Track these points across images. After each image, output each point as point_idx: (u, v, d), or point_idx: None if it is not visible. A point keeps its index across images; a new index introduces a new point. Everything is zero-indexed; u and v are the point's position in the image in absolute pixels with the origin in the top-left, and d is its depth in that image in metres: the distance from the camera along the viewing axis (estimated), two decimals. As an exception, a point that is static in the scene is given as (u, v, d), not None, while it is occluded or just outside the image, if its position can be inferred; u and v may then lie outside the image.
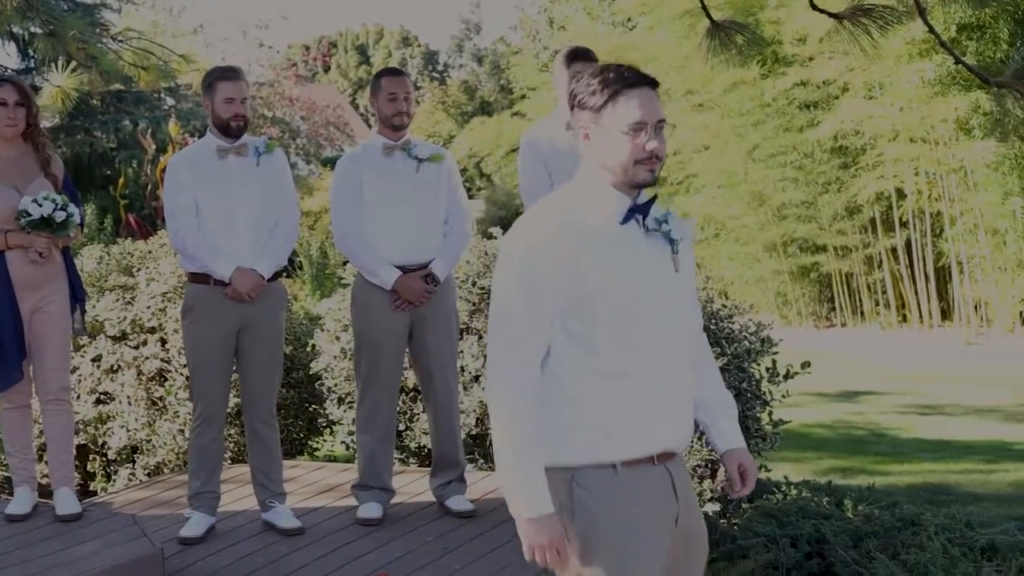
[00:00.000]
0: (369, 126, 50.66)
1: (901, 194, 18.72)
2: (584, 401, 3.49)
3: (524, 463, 3.46)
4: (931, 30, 6.25)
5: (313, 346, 8.84)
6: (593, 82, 3.54)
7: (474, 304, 8.21)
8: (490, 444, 8.33)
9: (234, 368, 6.82)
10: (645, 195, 3.62)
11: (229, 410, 7.36)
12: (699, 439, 7.04)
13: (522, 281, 3.48)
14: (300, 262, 20.42)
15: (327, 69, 67.65)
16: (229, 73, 6.71)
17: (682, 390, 3.61)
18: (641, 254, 3.56)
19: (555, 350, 3.51)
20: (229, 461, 8.46)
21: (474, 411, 8.15)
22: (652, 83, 3.55)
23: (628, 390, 3.49)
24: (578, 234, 3.48)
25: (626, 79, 3.51)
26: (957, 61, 6.61)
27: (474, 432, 8.25)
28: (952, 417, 12.68)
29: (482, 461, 8.36)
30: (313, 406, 9.03)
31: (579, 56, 7.05)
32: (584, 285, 3.45)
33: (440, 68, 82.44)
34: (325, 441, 9.45)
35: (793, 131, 19.40)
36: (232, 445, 8.61)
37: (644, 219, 3.57)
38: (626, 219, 3.54)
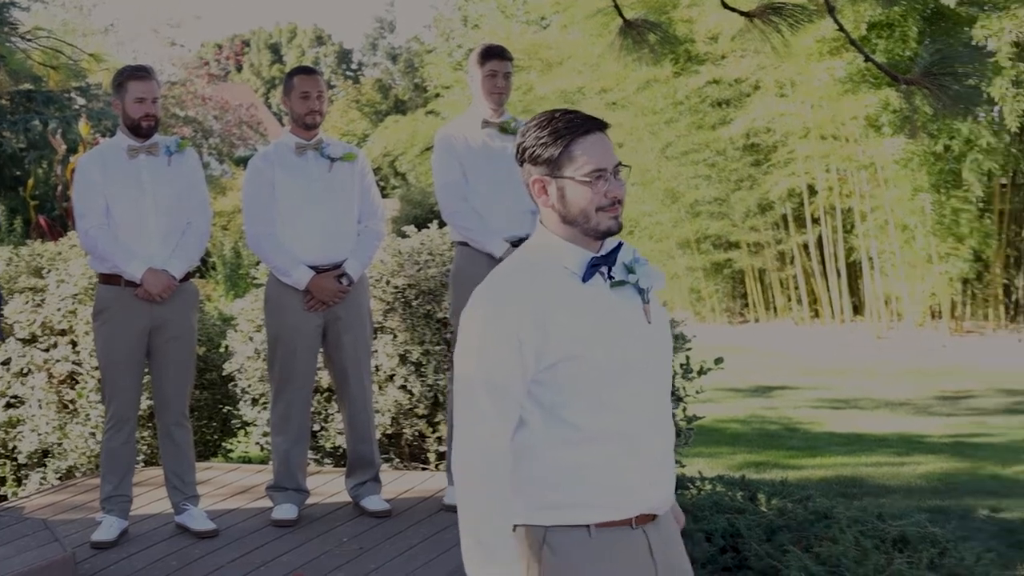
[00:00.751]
0: (282, 125, 50.36)
1: (812, 191, 18.89)
2: (556, 472, 3.31)
3: (494, 534, 3.26)
4: (841, 28, 6.30)
5: (226, 347, 8.78)
6: (543, 134, 3.37)
7: (388, 303, 8.19)
8: (405, 442, 8.32)
9: (146, 370, 6.76)
10: (608, 245, 3.42)
11: (141, 412, 7.30)
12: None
13: (482, 362, 3.27)
14: (213, 262, 20.28)
15: (240, 68, 67.22)
16: (140, 72, 6.64)
17: (661, 449, 3.42)
18: (609, 311, 3.37)
19: (526, 419, 3.32)
20: (142, 464, 8.38)
21: (389, 411, 8.13)
22: (603, 126, 3.41)
23: (604, 457, 3.30)
24: (537, 301, 3.29)
25: (578, 126, 3.36)
26: (867, 59, 6.67)
27: (389, 432, 8.24)
28: (864, 411, 12.82)
29: (397, 460, 8.35)
30: (227, 407, 8.97)
31: (493, 54, 7.06)
32: (550, 354, 3.27)
33: (354, 67, 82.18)
34: (239, 443, 9.39)
35: (706, 129, 19.52)
36: (145, 448, 8.53)
37: (609, 271, 3.39)
38: (588, 275, 3.35)
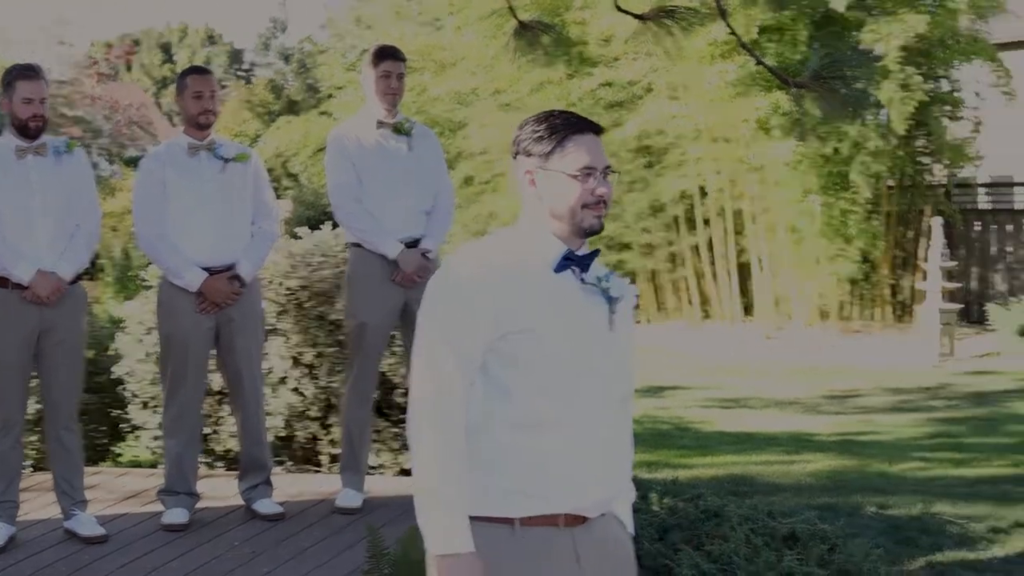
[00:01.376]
0: (173, 125, 49.82)
1: (704, 193, 19.06)
2: (492, 451, 3.30)
3: (448, 498, 3.22)
4: (732, 32, 6.37)
5: (116, 350, 8.67)
6: (540, 128, 3.45)
7: (281, 305, 8.13)
8: (297, 444, 8.28)
9: (33, 373, 6.66)
10: (586, 248, 3.47)
11: (29, 416, 7.18)
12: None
13: (448, 327, 3.30)
14: (102, 264, 20.02)
15: (130, 67, 66.41)
16: (28, 72, 6.54)
17: (605, 452, 3.39)
18: (573, 303, 3.40)
19: (473, 394, 3.32)
20: (30, 469, 8.24)
21: (281, 413, 8.08)
22: (598, 129, 3.50)
23: (538, 444, 3.29)
24: (509, 275, 3.34)
25: (574, 125, 3.45)
26: (758, 62, 6.75)
27: (282, 434, 8.18)
28: (754, 410, 12.96)
29: (290, 463, 8.30)
30: (116, 411, 8.86)
31: (386, 55, 7.06)
32: (509, 325, 3.28)
33: (246, 67, 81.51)
34: (129, 447, 9.27)
35: (598, 130, 19.60)
36: (32, 452, 8.40)
37: (582, 272, 3.43)
38: (560, 267, 3.40)
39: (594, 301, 3.43)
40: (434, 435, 3.24)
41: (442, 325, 3.31)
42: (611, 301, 3.46)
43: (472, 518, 3.26)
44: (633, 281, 20.39)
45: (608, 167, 3.46)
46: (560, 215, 3.42)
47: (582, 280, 3.43)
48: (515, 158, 3.53)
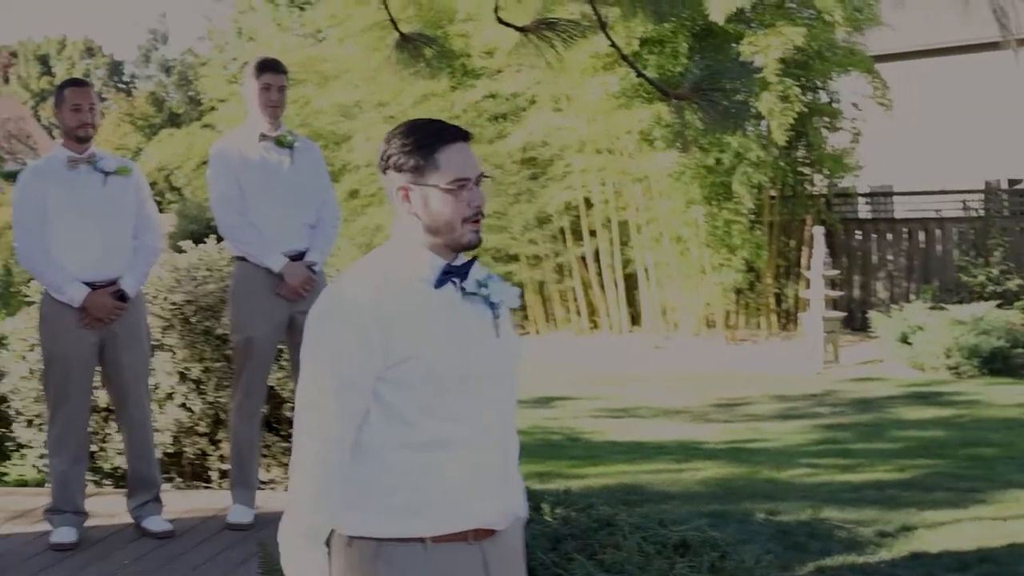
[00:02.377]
0: (52, 138, 49.14)
1: (589, 204, 19.16)
2: (393, 474, 3.26)
3: (309, 551, 3.23)
4: (613, 44, 6.42)
5: (-2, 367, 8.54)
6: (408, 141, 3.35)
7: (166, 320, 8.06)
8: (186, 461, 8.20)
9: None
10: (463, 257, 3.40)
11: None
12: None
13: (329, 357, 3.25)
14: (-19, 281, 19.69)
15: (7, 80, 65.44)
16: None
17: (501, 462, 3.38)
18: (458, 319, 3.34)
19: (369, 418, 3.27)
20: (-90, 490, 8.09)
21: (169, 429, 8.01)
22: (467, 136, 3.41)
23: (441, 463, 3.27)
24: (388, 299, 3.26)
25: (444, 135, 3.36)
26: (639, 74, 6.80)
27: (170, 450, 8.11)
28: (644, 419, 13.05)
29: (179, 480, 8.22)
30: (1, 429, 8.72)
31: (267, 67, 7.04)
32: (394, 351, 3.23)
33: (126, 79, 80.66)
34: (15, 465, 9.13)
35: (483, 143, 19.64)
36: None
37: (462, 282, 3.37)
38: (440, 282, 3.34)
39: (477, 310, 3.39)
40: (315, 480, 3.22)
41: (330, 359, 3.25)
42: (493, 307, 3.42)
43: (382, 540, 3.26)
44: (521, 293, 20.43)
45: (481, 174, 3.39)
46: (437, 230, 3.34)
47: (463, 290, 3.37)
48: (385, 173, 3.43)
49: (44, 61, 77.89)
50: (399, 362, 3.23)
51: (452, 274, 3.35)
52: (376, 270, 3.35)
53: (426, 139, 3.35)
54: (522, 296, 20.19)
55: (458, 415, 3.29)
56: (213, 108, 27.42)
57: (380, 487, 3.26)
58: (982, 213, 19.11)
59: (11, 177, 32.88)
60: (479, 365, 3.34)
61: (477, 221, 3.37)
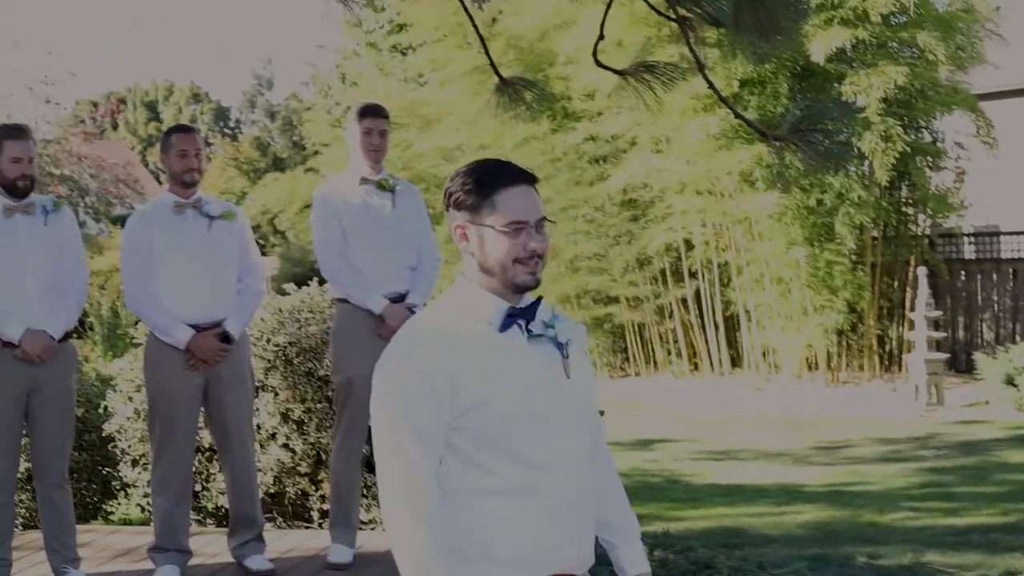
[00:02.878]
0: (160, 183, 49.82)
1: (690, 245, 19.13)
2: (471, 521, 3.22)
3: (435, 565, 3.16)
4: (711, 86, 6.42)
5: (106, 407, 8.69)
6: (468, 180, 3.34)
7: (269, 361, 8.16)
8: (287, 500, 8.28)
9: (24, 432, 6.67)
10: (528, 298, 3.37)
11: (20, 474, 7.18)
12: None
13: (401, 409, 3.21)
14: (90, 322, 20.01)
15: (116, 126, 66.60)
16: (15, 132, 6.59)
17: (578, 507, 3.33)
18: (524, 362, 3.30)
19: (445, 467, 3.24)
20: (20, 527, 8.25)
21: (271, 469, 8.09)
22: (531, 179, 3.37)
23: (517, 510, 3.22)
24: (454, 347, 3.23)
25: (504, 176, 3.33)
26: (736, 116, 6.81)
27: (272, 490, 8.19)
28: (744, 461, 12.97)
29: (280, 519, 8.30)
30: (107, 469, 8.87)
31: (369, 112, 7.13)
32: (464, 400, 3.19)
33: (232, 124, 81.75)
34: (120, 504, 9.27)
35: (584, 185, 19.71)
36: (23, 511, 8.40)
37: (527, 324, 3.34)
38: (505, 326, 3.31)
39: (545, 351, 3.36)
40: (414, 533, 3.16)
41: (402, 408, 3.22)
42: (561, 347, 3.39)
43: None
44: (621, 334, 20.47)
45: (542, 219, 3.34)
46: (491, 270, 3.32)
47: (529, 332, 3.34)
48: (448, 210, 3.42)
49: (152, 107, 79.15)
50: (468, 409, 3.20)
51: (516, 317, 3.33)
52: (442, 315, 3.34)
53: (486, 179, 3.34)
54: (623, 337, 20.20)
55: (528, 458, 3.25)
56: (317, 152, 27.75)
57: (459, 536, 3.22)
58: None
59: (119, 221, 33.39)
60: (548, 407, 3.30)
61: (533, 263, 3.32)
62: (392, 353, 3.29)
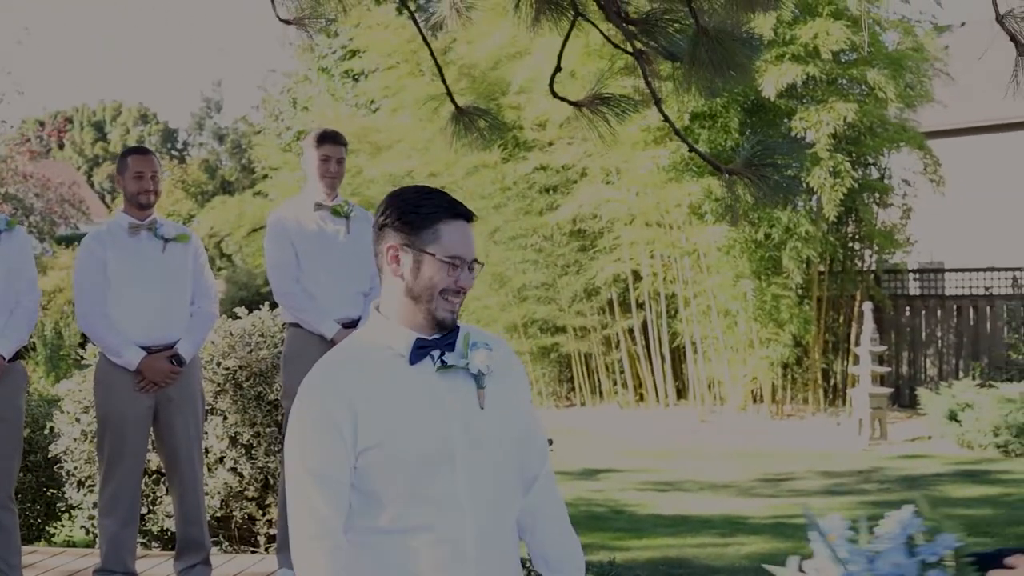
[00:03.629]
0: (106, 204, 49.64)
1: (637, 276, 19.20)
2: (372, 560, 3.17)
3: None
4: (666, 119, 6.47)
5: (51, 428, 8.64)
6: (414, 205, 3.29)
7: (219, 385, 8.15)
8: (235, 524, 8.25)
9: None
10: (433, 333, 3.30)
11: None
12: None
13: (306, 453, 3.18)
14: (33, 343, 19.86)
15: (62, 145, 66.21)
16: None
17: (484, 547, 3.23)
18: (429, 396, 3.24)
19: (352, 507, 3.20)
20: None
21: (219, 493, 8.07)
22: (471, 217, 3.34)
23: (421, 553, 3.16)
24: (356, 387, 3.20)
25: (451, 208, 3.29)
26: (691, 149, 6.85)
27: (219, 514, 8.17)
28: (689, 492, 13.02)
29: (226, 544, 8.28)
30: (51, 490, 8.81)
31: (328, 139, 7.16)
32: (362, 441, 3.15)
33: (179, 146, 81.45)
34: (63, 526, 9.21)
35: (533, 214, 19.75)
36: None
37: (441, 355, 3.27)
38: (416, 357, 3.25)
39: (457, 383, 3.28)
40: (315, 572, 3.12)
41: (305, 450, 3.19)
42: (477, 379, 3.29)
43: None
44: (567, 364, 20.52)
45: (475, 260, 3.33)
46: (417, 297, 3.27)
47: (443, 363, 3.27)
48: (380, 230, 3.34)
49: (99, 127, 78.76)
50: (365, 450, 3.16)
51: (428, 348, 3.28)
52: (355, 348, 3.32)
53: (433, 208, 3.29)
54: (569, 367, 20.24)
55: (432, 499, 3.18)
56: (266, 176, 27.68)
57: (357, 572, 3.17)
58: (1032, 291, 19.06)
59: (64, 241, 33.22)
60: (456, 442, 3.23)
61: (456, 299, 3.29)
62: (305, 386, 3.26)
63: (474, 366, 3.28)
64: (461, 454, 3.22)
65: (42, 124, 45.74)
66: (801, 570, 2.10)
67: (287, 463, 3.24)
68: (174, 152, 78.78)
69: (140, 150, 7.04)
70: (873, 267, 19.69)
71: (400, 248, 3.28)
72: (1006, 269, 19.93)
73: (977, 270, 20.41)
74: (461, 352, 3.29)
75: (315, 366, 3.31)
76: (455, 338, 3.31)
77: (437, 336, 3.29)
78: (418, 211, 3.28)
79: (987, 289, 19.66)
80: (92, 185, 61.89)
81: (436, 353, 3.27)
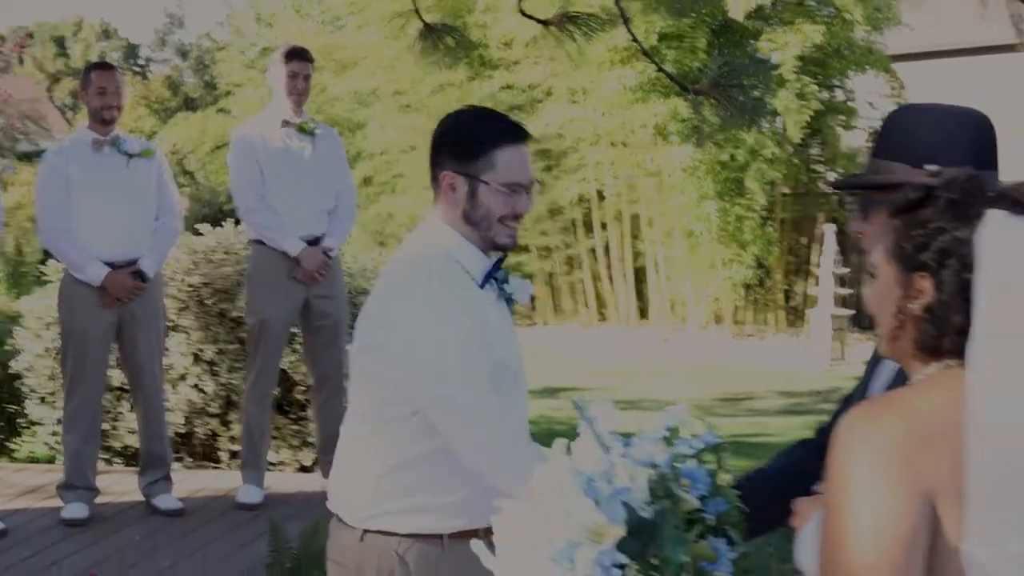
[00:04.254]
0: (67, 120, 49.19)
1: (602, 196, 19.19)
2: (424, 477, 3.21)
3: None
4: (634, 39, 6.46)
5: (13, 344, 8.61)
6: (470, 130, 3.26)
7: (182, 302, 8.13)
8: (197, 441, 8.27)
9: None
10: (493, 256, 3.33)
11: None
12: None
13: (457, 351, 3.13)
14: (-6, 258, 19.78)
15: (22, 61, 65.45)
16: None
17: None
18: (503, 319, 3.33)
19: (403, 431, 3.21)
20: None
21: (181, 409, 8.08)
22: (528, 138, 3.30)
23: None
24: (469, 305, 3.20)
25: (507, 133, 3.24)
26: (659, 69, 6.86)
27: (181, 431, 8.18)
28: (649, 411, 13.05)
29: (189, 459, 8.30)
30: (13, 406, 8.80)
31: (296, 55, 7.14)
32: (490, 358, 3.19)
33: (142, 62, 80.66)
34: (26, 442, 9.21)
35: (499, 133, 19.66)
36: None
37: (500, 283, 3.32)
38: (485, 282, 3.26)
39: (501, 306, 3.35)
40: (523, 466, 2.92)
41: (459, 361, 3.13)
42: (510, 303, 3.37)
43: (405, 535, 3.23)
44: (530, 283, 20.46)
45: (533, 182, 3.31)
46: (476, 224, 3.24)
47: (501, 291, 3.33)
48: (435, 156, 3.30)
49: (60, 43, 77.85)
50: (493, 367, 3.19)
51: (492, 274, 3.30)
52: (443, 267, 3.24)
53: (489, 133, 3.25)
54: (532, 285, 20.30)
55: (511, 410, 3.26)
56: (229, 93, 27.43)
57: (411, 488, 3.22)
58: (995, 214, 19.15)
59: (25, 158, 32.94)
60: (518, 362, 3.34)
61: (516, 223, 3.29)
62: (429, 313, 3.16)
63: (517, 295, 3.37)
64: (518, 368, 3.35)
65: (2, 39, 45.27)
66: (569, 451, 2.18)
67: (448, 381, 3.14)
68: (136, 68, 78.01)
69: (103, 65, 6.99)
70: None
71: (455, 176, 3.24)
72: (968, 193, 19.99)
73: (940, 193, 20.46)
74: (497, 278, 3.33)
75: (416, 283, 3.20)
76: (500, 265, 3.34)
77: (495, 261, 3.32)
78: (472, 137, 3.24)
79: (950, 212, 19.73)
80: (53, 101, 61.26)
81: (495, 281, 3.32)
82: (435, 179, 3.29)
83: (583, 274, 19.89)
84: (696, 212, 17.97)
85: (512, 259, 19.81)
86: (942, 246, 2.09)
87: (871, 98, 19.25)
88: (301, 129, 7.14)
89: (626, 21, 6.13)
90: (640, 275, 19.56)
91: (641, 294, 19.64)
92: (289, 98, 7.11)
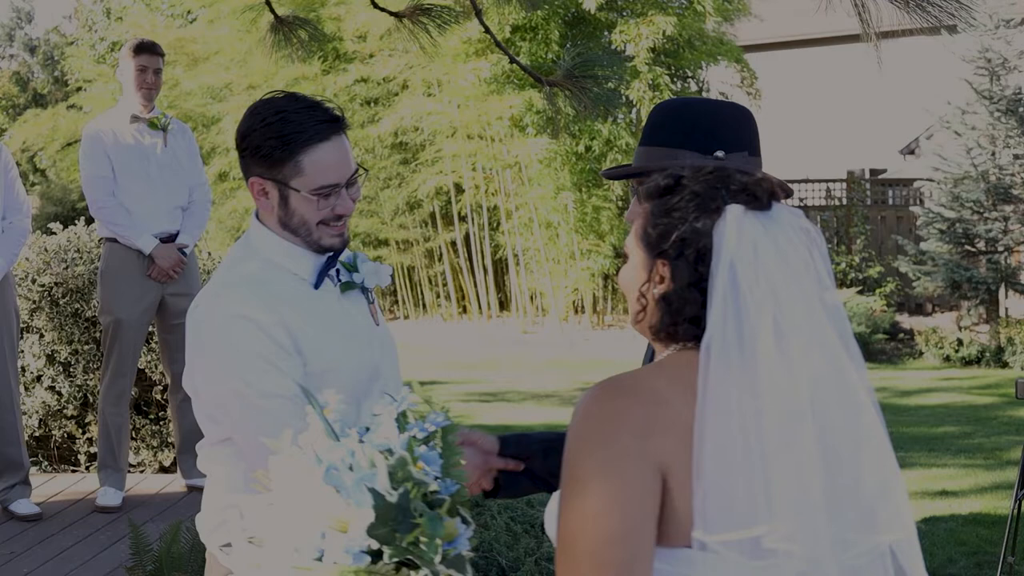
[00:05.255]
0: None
1: (460, 189, 19.21)
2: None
3: None
4: (487, 30, 6.49)
5: None
6: (271, 133, 2.94)
7: (35, 302, 7.98)
8: (54, 444, 8.13)
9: None
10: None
11: None
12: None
13: (259, 376, 2.91)
14: None
15: None
16: None
17: None
18: (345, 318, 3.09)
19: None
20: None
21: (36, 412, 7.94)
22: (341, 126, 3.00)
23: None
24: (285, 311, 2.94)
25: (311, 131, 2.93)
26: (512, 60, 6.89)
27: (37, 434, 8.04)
28: (512, 403, 13.16)
29: (46, 463, 8.15)
30: None
31: (144, 49, 7.05)
32: (310, 365, 2.95)
33: (-12, 58, 79.01)
34: None
35: (355, 127, 19.58)
36: None
37: (338, 274, 3.09)
38: (319, 282, 3.04)
39: (354, 300, 3.15)
40: None
41: (259, 378, 2.91)
42: (366, 293, 3.18)
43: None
44: (391, 277, 20.43)
45: (354, 174, 3.03)
46: (294, 231, 3.02)
47: (340, 282, 3.11)
48: (242, 160, 3.06)
49: (-98, 37, 76.01)
50: (316, 374, 2.93)
51: (327, 269, 3.08)
52: (259, 273, 3.02)
53: (291, 135, 2.95)
54: (392, 280, 20.25)
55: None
56: (80, 88, 27.02)
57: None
58: (845, 202, 19.55)
59: None
60: (376, 359, 3.15)
61: (341, 224, 3.04)
62: (226, 316, 2.96)
63: (369, 281, 3.18)
64: (382, 368, 3.17)
65: None
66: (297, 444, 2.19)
67: (258, 387, 2.92)
68: (-18, 64, 76.42)
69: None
70: (692, 179, 19.95)
71: (263, 181, 3.00)
72: (819, 180, 20.40)
73: (792, 181, 20.80)
74: (345, 268, 3.14)
75: (226, 289, 3.02)
76: (338, 255, 3.12)
77: (329, 256, 3.08)
78: (276, 142, 2.94)
79: (801, 200, 20.09)
80: None
81: (334, 273, 3.10)
82: (246, 182, 3.06)
83: (443, 267, 19.89)
84: (554, 203, 18.08)
85: (371, 253, 19.78)
86: (682, 236, 2.16)
87: (724, 88, 19.53)
88: (152, 124, 7.06)
89: (479, 13, 6.16)
90: (500, 267, 19.63)
91: (501, 286, 19.72)
92: (139, 93, 7.02)
